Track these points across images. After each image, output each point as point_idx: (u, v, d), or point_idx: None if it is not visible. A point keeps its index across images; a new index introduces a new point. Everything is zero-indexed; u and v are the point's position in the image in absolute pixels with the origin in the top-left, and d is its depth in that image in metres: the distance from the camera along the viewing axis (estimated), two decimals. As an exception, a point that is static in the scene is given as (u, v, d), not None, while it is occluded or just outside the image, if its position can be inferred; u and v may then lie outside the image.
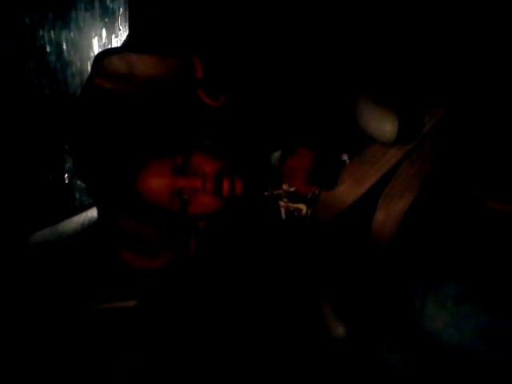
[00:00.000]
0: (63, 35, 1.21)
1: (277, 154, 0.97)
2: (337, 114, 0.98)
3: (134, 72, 0.92)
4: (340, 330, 0.89)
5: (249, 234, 0.96)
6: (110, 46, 1.32)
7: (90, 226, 1.20)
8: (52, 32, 1.18)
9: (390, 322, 0.83)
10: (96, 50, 1.30)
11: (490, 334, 0.71)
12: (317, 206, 0.97)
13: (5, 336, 0.95)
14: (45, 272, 1.08)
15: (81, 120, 0.98)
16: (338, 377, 0.90)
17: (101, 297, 1.01)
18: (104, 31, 1.30)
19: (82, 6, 1.23)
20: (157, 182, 0.84)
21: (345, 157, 0.97)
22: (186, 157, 0.84)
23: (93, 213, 1.25)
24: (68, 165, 1.30)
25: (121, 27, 1.34)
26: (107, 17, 1.30)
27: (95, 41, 1.29)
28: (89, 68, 1.19)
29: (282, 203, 0.97)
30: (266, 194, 0.93)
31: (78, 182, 1.33)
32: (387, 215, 0.91)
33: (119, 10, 1.32)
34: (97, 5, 1.27)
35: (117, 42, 1.34)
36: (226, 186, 0.83)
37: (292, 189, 0.97)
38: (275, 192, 0.97)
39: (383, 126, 0.90)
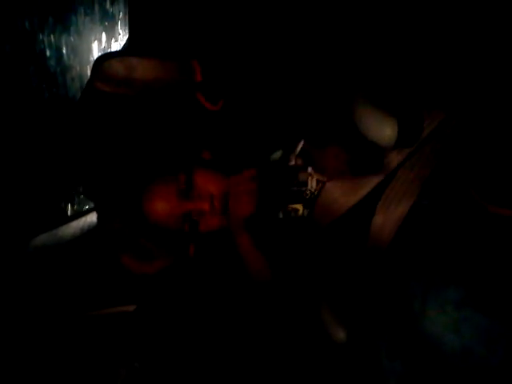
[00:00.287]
0: (63, 39, 1.21)
1: (275, 156, 0.97)
2: (336, 117, 0.98)
3: (134, 76, 0.92)
4: (340, 334, 0.89)
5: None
6: (109, 50, 1.32)
7: (90, 231, 1.20)
8: (52, 36, 1.18)
9: (389, 326, 0.83)
10: (96, 54, 1.29)
11: (490, 338, 0.71)
12: (315, 210, 0.97)
13: (5, 341, 0.95)
14: (44, 277, 1.07)
15: (81, 124, 0.98)
16: (338, 381, 0.89)
17: (100, 302, 1.00)
18: (104, 35, 1.30)
19: (82, 10, 1.23)
20: (164, 208, 0.85)
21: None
22: (188, 177, 0.85)
23: (92, 218, 1.25)
24: (68, 170, 1.29)
25: (120, 31, 1.34)
26: (107, 21, 1.30)
27: (95, 45, 1.29)
28: (89, 72, 1.19)
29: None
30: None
31: (78, 187, 1.33)
32: (386, 219, 0.91)
33: (119, 14, 1.32)
34: (97, 9, 1.27)
35: (117, 46, 1.34)
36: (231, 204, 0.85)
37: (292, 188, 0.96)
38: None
39: (383, 130, 0.90)
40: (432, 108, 0.95)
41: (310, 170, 0.97)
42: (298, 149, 0.97)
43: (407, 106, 0.93)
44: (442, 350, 0.74)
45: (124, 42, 1.35)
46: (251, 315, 0.93)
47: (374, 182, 0.95)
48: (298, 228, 0.97)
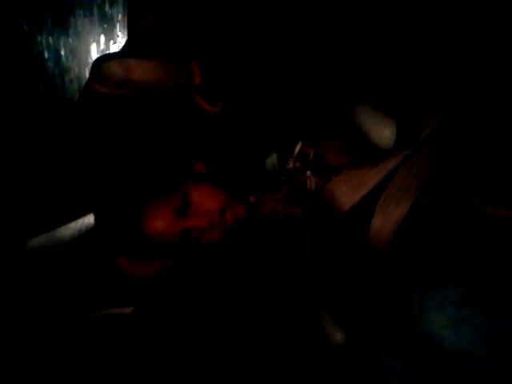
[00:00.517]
0: (62, 41, 1.21)
1: (271, 159, 0.97)
2: (335, 119, 0.98)
3: (133, 77, 0.92)
4: (338, 336, 0.88)
5: (246, 238, 0.96)
6: (108, 52, 1.33)
7: (87, 233, 1.19)
8: (50, 38, 1.18)
9: (388, 327, 0.83)
10: (94, 55, 1.30)
11: (489, 338, 0.71)
12: (316, 211, 0.97)
13: (3, 342, 0.94)
14: (41, 278, 1.07)
15: (79, 125, 0.98)
16: (338, 381, 0.89)
17: (97, 303, 1.00)
18: (102, 37, 1.31)
19: (81, 12, 1.23)
20: (163, 227, 0.85)
21: None
22: (184, 194, 0.85)
23: (90, 219, 1.24)
24: (65, 171, 1.29)
25: (119, 33, 1.34)
26: (106, 23, 1.30)
27: (93, 47, 1.30)
28: (87, 74, 1.19)
29: (279, 206, 0.97)
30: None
31: (75, 188, 1.32)
32: (384, 220, 0.91)
33: (118, 16, 1.32)
34: (95, 11, 1.27)
35: (115, 48, 1.34)
36: (229, 217, 0.86)
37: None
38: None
39: (382, 131, 0.90)
40: (431, 109, 0.95)
41: (308, 173, 0.97)
42: (296, 151, 0.97)
43: (406, 108, 0.93)
44: (440, 351, 0.73)
45: (123, 44, 1.35)
46: (250, 317, 0.93)
47: (372, 183, 0.94)
48: (297, 230, 0.97)
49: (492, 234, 0.83)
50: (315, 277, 0.93)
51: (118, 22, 1.33)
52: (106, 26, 1.31)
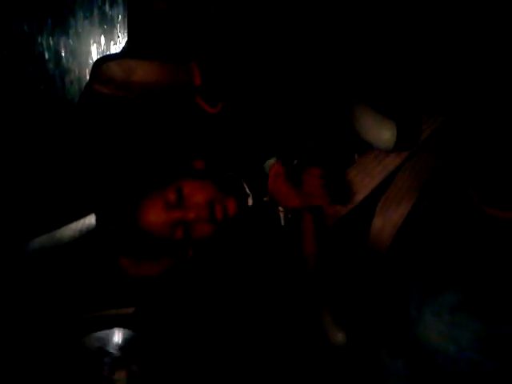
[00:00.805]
0: (62, 42, 1.21)
1: (271, 161, 0.97)
2: (335, 121, 0.98)
3: (133, 78, 0.92)
4: (339, 337, 0.89)
5: (247, 240, 0.96)
6: (108, 53, 1.33)
7: (88, 233, 1.19)
8: (51, 39, 1.18)
9: (388, 329, 0.83)
10: (95, 56, 1.30)
11: (486, 343, 0.71)
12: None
13: (3, 343, 0.95)
14: (42, 279, 1.07)
15: (79, 126, 0.98)
16: (339, 381, 0.89)
17: (98, 304, 1.00)
18: (103, 38, 1.31)
19: (81, 13, 1.23)
20: (155, 218, 0.86)
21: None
22: (177, 187, 0.86)
23: (90, 219, 1.24)
24: (66, 171, 1.29)
25: (120, 34, 1.34)
26: (106, 24, 1.30)
27: (94, 48, 1.30)
28: (87, 75, 1.19)
29: (280, 209, 0.97)
30: (264, 199, 0.93)
31: (76, 188, 1.32)
32: (385, 222, 0.91)
33: (118, 17, 1.32)
34: (96, 12, 1.27)
35: (115, 48, 1.34)
36: (218, 211, 0.86)
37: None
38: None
39: (382, 132, 0.90)
40: (430, 111, 0.95)
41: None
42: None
43: (406, 109, 0.93)
44: (437, 355, 0.74)
45: (123, 44, 1.35)
46: (251, 317, 0.93)
47: (372, 184, 0.95)
48: (297, 230, 0.97)
49: (491, 236, 0.83)
50: (316, 277, 0.94)
51: (118, 22, 1.33)
52: (107, 26, 1.31)
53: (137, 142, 0.97)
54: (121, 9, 1.31)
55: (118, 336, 0.95)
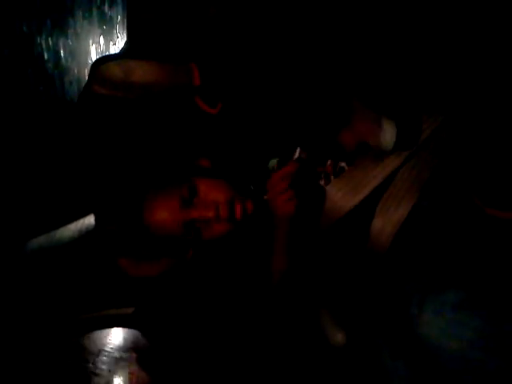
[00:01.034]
0: (61, 42, 1.21)
1: (274, 161, 0.97)
2: (335, 120, 0.98)
3: (132, 78, 0.92)
4: (339, 337, 0.89)
5: (247, 240, 0.96)
6: (107, 53, 1.33)
7: (88, 234, 1.19)
8: (50, 39, 1.18)
9: (388, 329, 0.83)
10: (94, 57, 1.30)
11: (488, 341, 0.71)
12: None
13: (3, 343, 0.95)
14: (41, 279, 1.07)
15: (79, 126, 0.98)
16: (340, 381, 0.89)
17: (98, 304, 1.00)
18: (102, 38, 1.31)
19: (80, 14, 1.23)
20: (167, 217, 0.84)
21: (342, 163, 0.97)
22: (192, 185, 0.85)
23: (90, 220, 1.24)
24: (65, 171, 1.29)
25: (119, 34, 1.34)
26: (105, 24, 1.30)
27: (93, 48, 1.30)
28: (86, 75, 1.19)
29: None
30: (265, 197, 0.93)
31: (75, 189, 1.32)
32: (385, 222, 0.91)
33: (117, 17, 1.32)
34: (95, 12, 1.27)
35: (115, 49, 1.34)
36: (238, 210, 0.84)
37: None
38: None
39: (382, 133, 0.90)
40: (431, 111, 0.95)
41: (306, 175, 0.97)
42: (296, 156, 0.97)
43: (406, 109, 0.93)
44: (439, 353, 0.74)
45: (122, 45, 1.35)
46: (251, 317, 0.93)
47: (372, 185, 0.94)
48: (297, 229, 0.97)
49: (491, 236, 0.83)
50: (316, 277, 0.94)
51: (117, 23, 1.33)
52: (106, 27, 1.31)
53: (136, 142, 0.97)
54: (120, 9, 1.31)
55: (118, 336, 0.95)
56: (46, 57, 1.19)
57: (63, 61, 1.24)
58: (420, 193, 0.92)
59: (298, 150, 0.94)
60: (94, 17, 1.27)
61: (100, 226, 0.94)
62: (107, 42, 1.32)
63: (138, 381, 0.88)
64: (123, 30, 1.33)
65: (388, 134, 0.89)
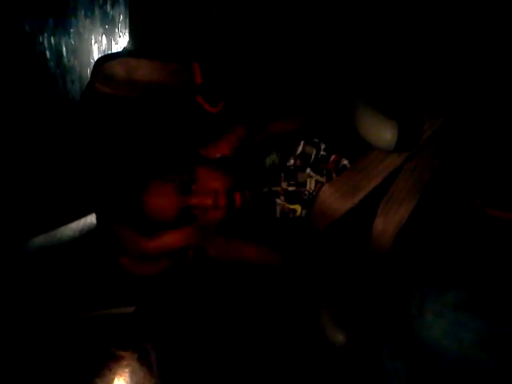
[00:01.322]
0: (63, 41, 1.21)
1: (273, 156, 0.97)
2: (336, 120, 0.98)
3: (134, 77, 0.92)
4: (339, 338, 0.88)
5: (245, 235, 0.95)
6: (110, 52, 1.33)
7: (89, 233, 1.19)
8: (52, 38, 1.18)
9: (389, 330, 0.83)
10: (96, 56, 1.30)
11: (488, 342, 0.71)
12: (313, 212, 0.97)
13: (3, 343, 0.94)
14: (42, 279, 1.07)
15: (81, 125, 0.98)
16: (340, 381, 0.89)
17: (99, 303, 1.00)
18: (104, 38, 1.31)
19: (82, 13, 1.24)
20: (165, 202, 0.85)
21: (345, 161, 0.97)
22: (191, 172, 0.85)
23: (91, 219, 1.24)
24: (66, 171, 1.29)
25: (121, 34, 1.34)
26: (107, 23, 1.31)
27: (95, 47, 1.30)
28: (89, 74, 1.19)
29: (278, 201, 0.97)
30: (264, 190, 0.93)
31: (76, 188, 1.33)
32: (387, 222, 0.91)
33: (119, 16, 1.32)
34: (97, 11, 1.27)
35: (117, 48, 1.34)
36: (238, 199, 0.85)
37: (290, 188, 0.97)
38: (273, 189, 0.97)
39: (383, 133, 0.90)
40: (432, 111, 0.95)
41: (308, 170, 0.97)
42: (299, 151, 0.97)
43: (407, 109, 0.93)
44: (440, 354, 0.73)
45: (124, 44, 1.35)
46: (251, 317, 0.93)
47: (372, 185, 0.94)
48: (296, 229, 0.97)
49: (492, 236, 0.83)
50: (316, 278, 0.93)
51: (119, 22, 1.33)
52: (108, 26, 1.31)
53: (137, 140, 0.97)
54: (122, 8, 1.32)
55: (118, 335, 0.95)
56: (48, 56, 1.19)
57: (65, 60, 1.24)
58: (421, 194, 0.92)
59: (301, 144, 0.94)
60: (97, 16, 1.28)
61: (101, 225, 0.94)
62: (109, 41, 1.33)
63: (138, 380, 0.88)
64: (125, 29, 1.33)
65: (389, 134, 0.89)
